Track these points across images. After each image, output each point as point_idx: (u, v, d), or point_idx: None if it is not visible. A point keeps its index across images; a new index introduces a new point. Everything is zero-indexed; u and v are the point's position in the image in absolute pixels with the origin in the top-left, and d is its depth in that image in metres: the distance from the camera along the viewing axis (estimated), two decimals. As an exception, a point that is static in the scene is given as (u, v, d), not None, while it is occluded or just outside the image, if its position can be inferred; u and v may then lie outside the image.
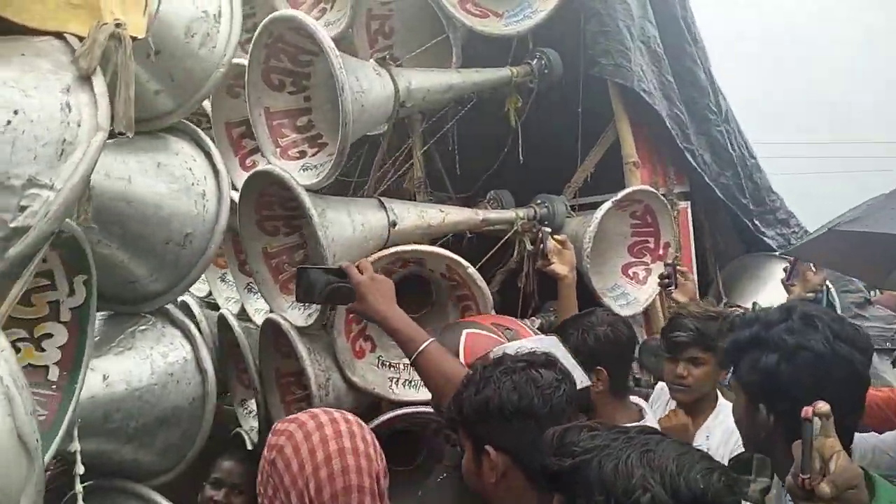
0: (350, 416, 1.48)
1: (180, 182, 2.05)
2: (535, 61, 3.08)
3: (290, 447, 1.38)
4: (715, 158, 3.53)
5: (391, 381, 2.59)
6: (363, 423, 1.49)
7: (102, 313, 2.17)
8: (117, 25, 1.30)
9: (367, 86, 2.42)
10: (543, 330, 2.96)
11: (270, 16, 2.38)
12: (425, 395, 2.44)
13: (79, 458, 1.72)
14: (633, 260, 3.21)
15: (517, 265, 3.31)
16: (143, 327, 2.09)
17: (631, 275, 3.20)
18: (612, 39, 3.00)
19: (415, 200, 3.50)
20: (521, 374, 1.40)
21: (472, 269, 2.50)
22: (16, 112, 1.15)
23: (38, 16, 1.30)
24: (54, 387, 1.69)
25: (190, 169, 2.08)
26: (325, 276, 1.95)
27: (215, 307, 3.48)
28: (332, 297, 1.98)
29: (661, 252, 3.17)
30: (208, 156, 2.14)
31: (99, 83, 1.26)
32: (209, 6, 2.09)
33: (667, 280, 3.02)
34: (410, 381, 2.61)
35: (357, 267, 1.96)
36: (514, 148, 3.31)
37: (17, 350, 1.65)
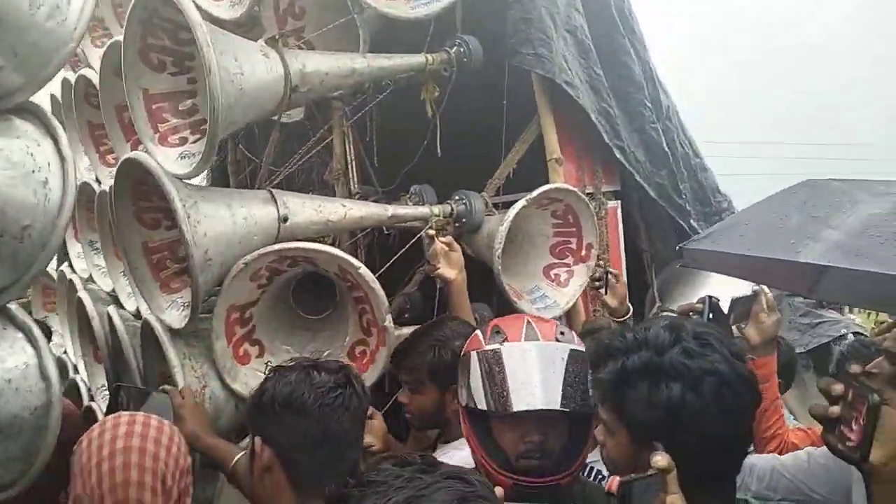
0: (155, 421, 1.59)
1: (18, 168, 1.83)
2: (453, 48, 2.90)
3: (85, 442, 1.55)
4: (649, 156, 3.37)
5: (277, 388, 2.40)
6: (166, 429, 1.58)
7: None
8: None
9: (249, 68, 2.22)
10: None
11: (141, -13, 2.17)
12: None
13: None
14: (555, 261, 3.04)
15: (435, 264, 3.15)
16: (-21, 329, 1.89)
17: (552, 276, 3.03)
18: (534, 28, 2.82)
19: (334, 193, 3.33)
20: (300, 373, 1.48)
21: (363, 270, 2.31)
22: None
23: None
24: None
25: (31, 154, 1.87)
26: (144, 395, 2.15)
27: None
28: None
29: (583, 253, 3.00)
30: (56, 140, 1.93)
31: None
32: (59, -25, 1.88)
33: (598, 282, 2.88)
34: (299, 389, 2.43)
35: (181, 392, 2.12)
36: (443, 141, 3.14)
37: None
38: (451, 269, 2.45)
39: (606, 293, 2.80)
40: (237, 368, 2.35)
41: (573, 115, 3.05)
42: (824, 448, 1.88)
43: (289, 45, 2.89)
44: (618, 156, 3.15)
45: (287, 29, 2.90)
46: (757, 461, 1.91)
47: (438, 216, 2.88)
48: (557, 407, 1.66)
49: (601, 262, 2.92)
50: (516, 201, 2.92)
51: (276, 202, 2.43)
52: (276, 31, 2.88)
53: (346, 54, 2.61)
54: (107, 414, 2.18)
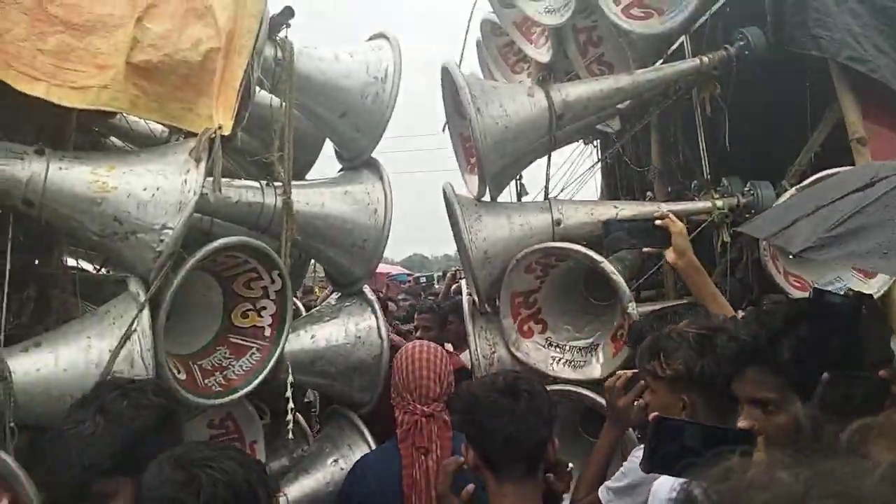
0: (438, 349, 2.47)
1: (360, 203, 2.89)
2: (734, 45, 2.96)
3: (399, 354, 2.46)
4: None
5: (553, 360, 2.97)
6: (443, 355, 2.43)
7: (336, 294, 3.20)
8: (217, 129, 2.21)
9: (513, 108, 2.86)
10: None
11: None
12: (581, 376, 2.82)
13: (290, 381, 2.65)
14: (866, 250, 2.79)
15: (738, 255, 3.22)
16: (348, 304, 3.02)
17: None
18: (808, 8, 2.70)
19: (652, 191, 3.68)
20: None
21: (604, 264, 2.71)
22: (157, 188, 2.15)
23: (195, 125, 2.29)
24: (267, 340, 2.70)
25: (368, 193, 2.90)
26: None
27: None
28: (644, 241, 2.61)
29: (895, 241, 2.69)
30: (383, 181, 2.92)
31: (202, 166, 2.18)
32: (378, 73, 2.86)
33: None
34: (571, 362, 2.95)
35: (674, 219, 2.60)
36: (745, 132, 3.21)
37: (247, 316, 2.73)
38: (670, 253, 2.55)
39: None
40: (521, 341, 3.00)
41: (881, 89, 2.75)
42: None
43: (594, 72, 3.40)
44: (946, 126, 2.70)
45: (589, 57, 3.40)
46: None
47: (722, 209, 2.99)
48: None
49: None
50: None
51: (551, 209, 3.00)
52: (581, 60, 3.42)
53: (611, 77, 3.00)
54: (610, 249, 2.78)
